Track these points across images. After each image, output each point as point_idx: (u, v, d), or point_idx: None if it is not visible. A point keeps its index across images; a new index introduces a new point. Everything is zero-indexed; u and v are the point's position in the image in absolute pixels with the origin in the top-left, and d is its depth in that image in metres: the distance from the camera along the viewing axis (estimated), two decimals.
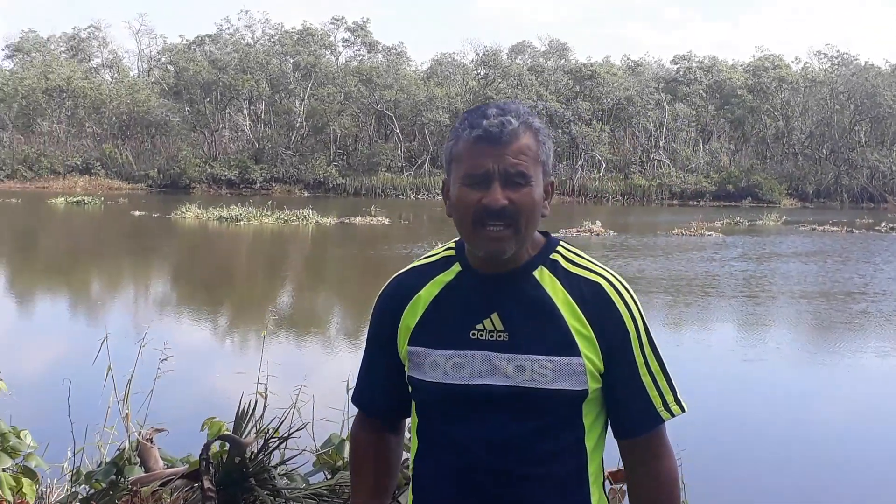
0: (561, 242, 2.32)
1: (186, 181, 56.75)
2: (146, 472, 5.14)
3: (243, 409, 4.11)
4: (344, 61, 70.88)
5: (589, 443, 2.24)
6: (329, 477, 4.98)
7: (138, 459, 5.26)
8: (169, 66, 71.38)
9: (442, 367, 2.22)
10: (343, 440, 5.07)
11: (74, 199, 44.48)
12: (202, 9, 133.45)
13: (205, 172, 57.46)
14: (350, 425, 5.42)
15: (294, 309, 17.84)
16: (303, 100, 62.14)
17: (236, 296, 19.41)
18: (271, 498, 3.98)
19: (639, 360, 2.22)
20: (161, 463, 5.16)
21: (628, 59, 78.40)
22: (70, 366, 9.09)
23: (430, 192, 57.40)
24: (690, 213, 47.29)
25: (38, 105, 63.63)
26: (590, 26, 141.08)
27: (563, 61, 75.26)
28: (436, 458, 2.29)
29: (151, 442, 5.25)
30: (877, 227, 40.88)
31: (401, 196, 56.60)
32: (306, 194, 56.85)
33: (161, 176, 57.84)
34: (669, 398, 2.25)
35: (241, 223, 35.08)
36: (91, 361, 5.29)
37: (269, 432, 4.16)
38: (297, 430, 4.30)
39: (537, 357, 2.16)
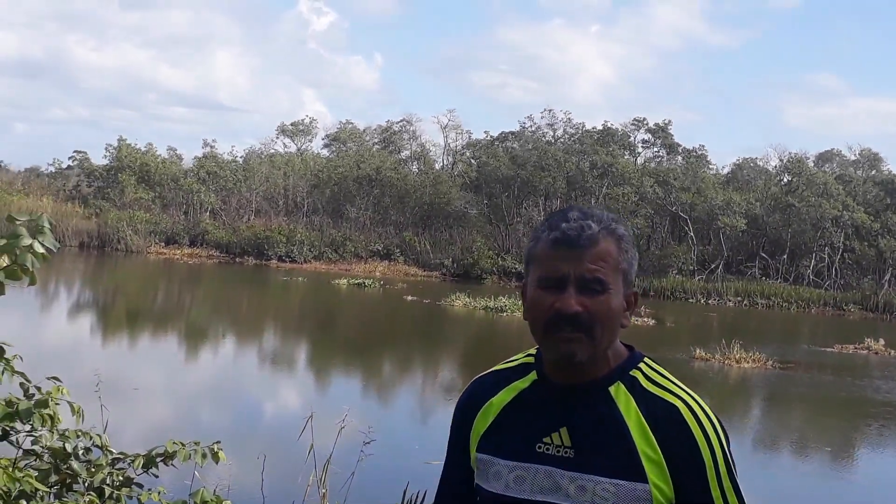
0: (645, 359, 2.17)
1: (478, 272, 58.08)
2: None
3: (409, 499, 4.05)
4: (642, 162, 70.78)
5: None
6: None
7: None
8: (472, 161, 73.83)
9: (504, 478, 2.12)
10: None
11: (356, 282, 46.49)
12: (508, 107, 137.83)
13: (496, 264, 58.64)
14: None
15: None
16: (598, 198, 62.43)
17: (453, 380, 19.51)
18: None
19: (715, 492, 2.02)
20: None
21: None
22: (276, 439, 9.40)
23: (722, 297, 55.80)
24: None
25: (348, 192, 67.40)
26: None
27: (873, 172, 71.61)
28: None
29: None
30: None
31: (690, 300, 55.32)
32: None
33: (455, 265, 59.51)
34: None
35: (505, 314, 35.41)
36: (297, 437, 5.44)
37: None
38: None
39: (600, 479, 2.03)
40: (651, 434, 2.04)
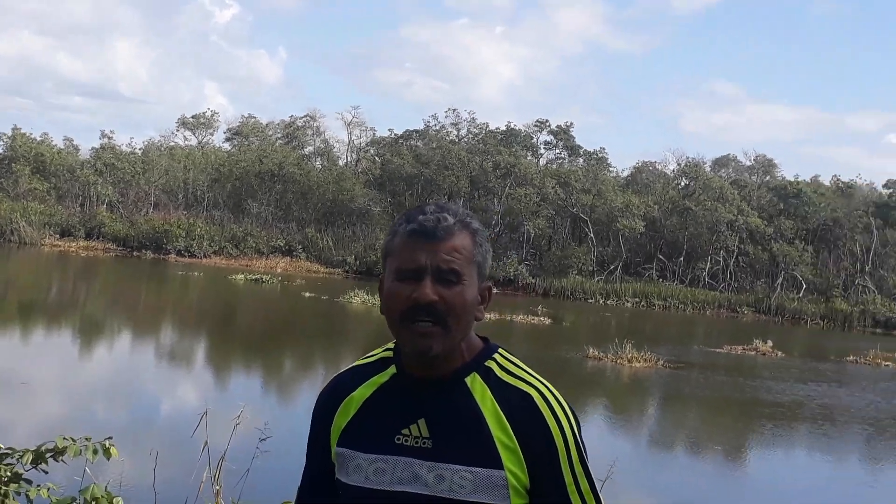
0: (500, 350, 2.24)
1: (381, 269, 57.86)
2: None
3: None
4: (544, 163, 71.53)
5: None
6: None
7: None
8: (375, 158, 73.78)
9: (365, 470, 2.17)
10: None
11: (253, 277, 45.79)
12: (414, 106, 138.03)
13: None
14: None
15: None
16: (500, 198, 62.91)
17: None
18: None
19: (567, 478, 2.11)
20: None
21: (838, 180, 75.88)
22: (171, 436, 9.26)
23: (621, 298, 56.71)
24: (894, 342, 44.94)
25: (250, 187, 66.77)
26: (801, 147, 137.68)
27: (767, 177, 73.56)
28: None
29: None
30: None
31: (590, 300, 56.11)
32: (496, 291, 56.83)
33: (357, 262, 59.31)
34: None
35: None
36: (191, 434, 5.37)
37: None
38: None
39: (457, 467, 2.09)
40: (506, 422, 2.10)
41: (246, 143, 79.25)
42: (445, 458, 2.10)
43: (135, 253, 57.56)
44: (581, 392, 19.33)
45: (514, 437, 2.09)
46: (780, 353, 32.60)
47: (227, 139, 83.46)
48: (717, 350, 32.41)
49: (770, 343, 33.56)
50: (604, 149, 74.88)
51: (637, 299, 57.02)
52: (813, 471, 15.22)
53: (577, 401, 17.93)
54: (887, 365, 33.44)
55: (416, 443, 2.13)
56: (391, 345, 2.29)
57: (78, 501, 5.04)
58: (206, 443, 5.18)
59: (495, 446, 2.09)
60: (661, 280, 61.32)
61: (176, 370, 19.43)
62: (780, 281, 61.01)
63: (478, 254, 2.15)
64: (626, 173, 74.81)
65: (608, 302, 56.19)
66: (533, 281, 58.87)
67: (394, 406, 2.19)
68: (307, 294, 39.69)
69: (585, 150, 72.01)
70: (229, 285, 42.94)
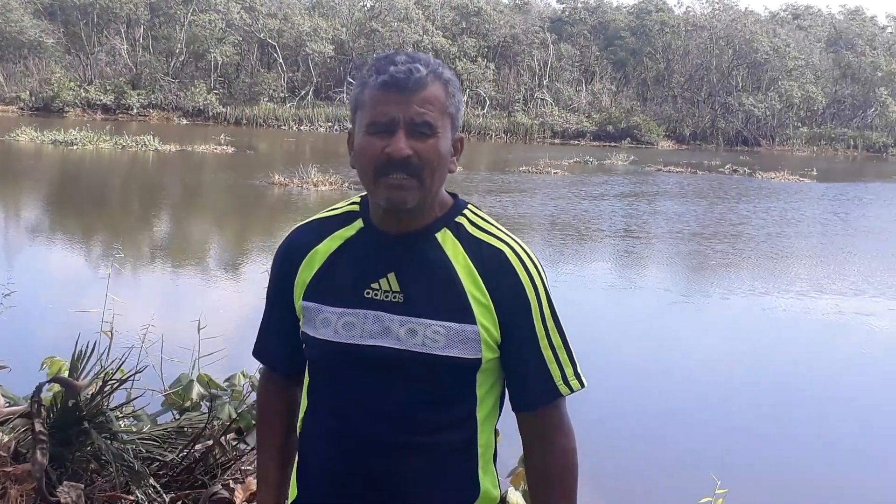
0: (469, 205, 2.24)
1: (60, 105, 54.82)
2: None
3: (81, 350, 4.03)
4: None
5: (480, 414, 2.19)
6: (177, 417, 4.96)
7: None
8: None
9: (333, 324, 2.15)
10: (191, 381, 5.04)
11: None
12: None
13: (79, 96, 55.60)
14: (199, 365, 5.42)
15: (142, 242, 17.28)
16: (183, 25, 60.49)
17: (76, 225, 18.71)
18: (107, 441, 3.93)
19: (539, 331, 2.15)
20: (2, 401, 5.05)
21: None
22: None
23: (313, 123, 56.88)
24: (570, 151, 48.19)
25: None
26: None
27: None
28: (320, 421, 2.23)
29: None
30: (721, 170, 42.76)
31: (283, 127, 55.88)
32: (185, 122, 55.52)
33: (33, 99, 55.74)
34: (569, 372, 2.19)
35: (76, 147, 33.84)
36: None
37: (109, 374, 4.10)
38: (136, 372, 4.23)
39: (430, 321, 2.09)
40: (478, 277, 2.10)
41: None
42: (417, 312, 2.09)
43: None
44: (269, 218, 19.08)
45: (486, 292, 2.09)
46: (460, 168, 33.67)
47: None
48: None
49: None
50: None
51: (330, 124, 57.32)
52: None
53: (267, 228, 17.92)
54: (556, 172, 35.73)
55: (387, 297, 2.11)
56: (356, 198, 2.24)
57: None
58: None
59: (468, 301, 2.09)
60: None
61: None
62: (465, 99, 62.77)
63: (451, 105, 2.09)
64: None
65: (301, 128, 56.19)
66: (224, 110, 57.72)
67: (362, 260, 2.15)
68: None
69: None
70: None
